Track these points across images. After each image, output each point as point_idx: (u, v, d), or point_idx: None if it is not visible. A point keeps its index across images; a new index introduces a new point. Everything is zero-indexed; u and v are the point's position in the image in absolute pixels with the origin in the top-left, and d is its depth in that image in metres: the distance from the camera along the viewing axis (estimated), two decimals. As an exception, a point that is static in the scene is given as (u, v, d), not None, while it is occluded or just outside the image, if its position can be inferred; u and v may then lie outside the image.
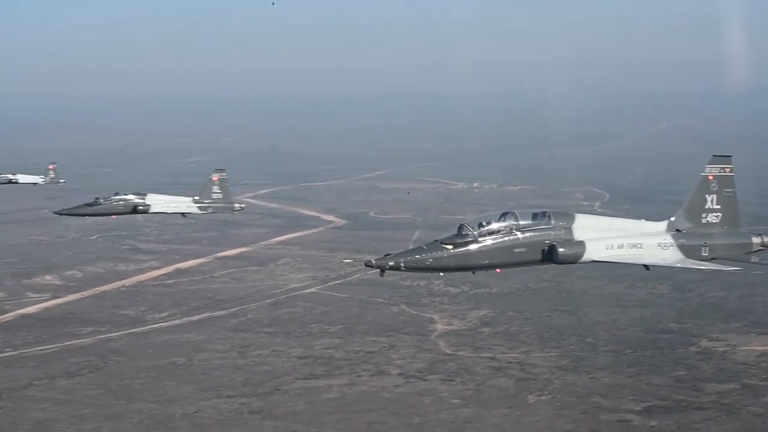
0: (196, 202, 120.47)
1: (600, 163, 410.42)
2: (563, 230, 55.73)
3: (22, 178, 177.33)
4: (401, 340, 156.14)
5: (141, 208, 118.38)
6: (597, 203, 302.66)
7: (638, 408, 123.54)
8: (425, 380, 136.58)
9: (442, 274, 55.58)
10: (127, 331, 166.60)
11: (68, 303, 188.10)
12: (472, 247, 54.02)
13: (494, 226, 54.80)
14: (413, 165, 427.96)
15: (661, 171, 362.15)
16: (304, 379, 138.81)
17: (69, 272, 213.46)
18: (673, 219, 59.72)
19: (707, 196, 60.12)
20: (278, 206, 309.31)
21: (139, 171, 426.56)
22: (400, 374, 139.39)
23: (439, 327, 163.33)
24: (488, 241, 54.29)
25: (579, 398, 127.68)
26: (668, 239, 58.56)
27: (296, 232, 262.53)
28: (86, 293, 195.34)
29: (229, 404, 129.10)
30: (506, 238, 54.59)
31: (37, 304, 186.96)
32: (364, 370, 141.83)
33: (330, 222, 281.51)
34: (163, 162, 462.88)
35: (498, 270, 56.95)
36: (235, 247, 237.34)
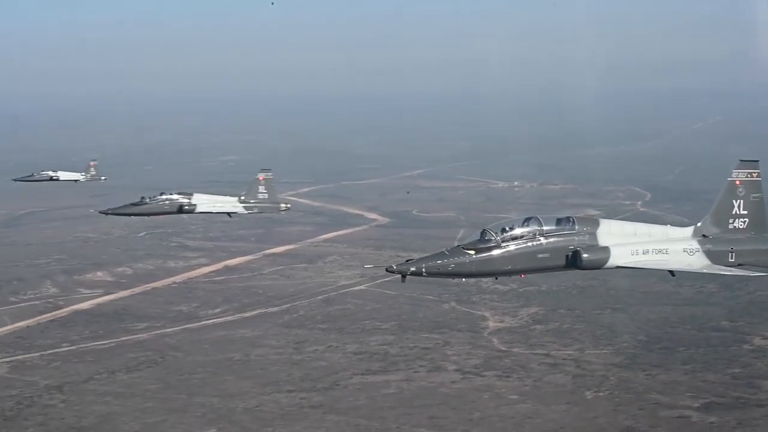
0: (241, 201, 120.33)
1: (638, 163, 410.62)
2: (587, 236, 55.41)
3: (63, 175, 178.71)
4: (455, 337, 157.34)
5: (187, 207, 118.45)
6: (639, 202, 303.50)
7: (696, 404, 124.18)
8: (482, 376, 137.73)
9: (464, 280, 56.51)
10: (181, 327, 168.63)
11: (121, 299, 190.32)
12: (495, 252, 53.74)
13: (517, 231, 54.51)
14: (451, 164, 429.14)
15: (700, 170, 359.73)
16: (361, 374, 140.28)
17: (119, 269, 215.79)
18: (699, 224, 59.37)
19: (734, 201, 59.73)
20: (321, 204, 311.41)
21: (177, 169, 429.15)
22: (456, 370, 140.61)
23: (491, 324, 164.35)
24: (511, 246, 53.95)
25: (636, 395, 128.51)
26: (694, 245, 58.20)
27: (341, 230, 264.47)
28: (137, 289, 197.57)
29: (289, 399, 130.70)
30: (530, 244, 54.26)
31: (90, 300, 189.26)
32: (421, 366, 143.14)
33: (373, 220, 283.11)
34: (200, 160, 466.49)
35: (521, 275, 56.82)
36: (281, 245, 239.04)
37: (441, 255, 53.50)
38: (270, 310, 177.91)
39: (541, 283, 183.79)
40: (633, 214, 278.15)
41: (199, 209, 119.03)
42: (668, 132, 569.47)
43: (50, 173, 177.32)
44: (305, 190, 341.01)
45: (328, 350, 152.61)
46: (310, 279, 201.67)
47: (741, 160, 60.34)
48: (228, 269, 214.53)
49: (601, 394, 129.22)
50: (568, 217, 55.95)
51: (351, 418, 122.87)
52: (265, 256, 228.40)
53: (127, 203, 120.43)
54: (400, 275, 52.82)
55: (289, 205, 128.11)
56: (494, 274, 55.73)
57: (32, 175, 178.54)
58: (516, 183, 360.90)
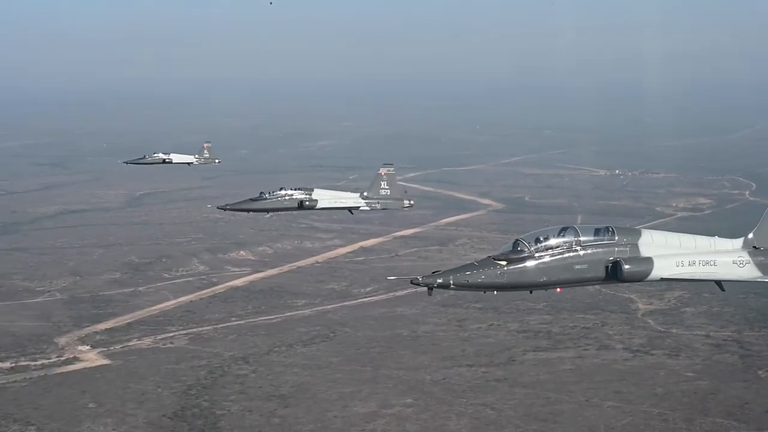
0: (363, 197, 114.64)
1: (734, 153, 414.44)
2: (628, 246, 52.54)
3: (176, 158, 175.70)
4: (610, 318, 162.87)
5: (307, 203, 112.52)
6: (746, 192, 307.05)
7: None
8: (651, 354, 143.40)
9: (495, 293, 52.36)
10: (340, 304, 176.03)
11: (270, 277, 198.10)
12: (529, 263, 50.59)
13: (553, 241, 51.28)
14: (546, 152, 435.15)
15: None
16: (533, 351, 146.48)
17: (260, 248, 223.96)
18: (750, 236, 56.44)
19: None
20: (432, 189, 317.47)
21: (275, 153, 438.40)
22: (624, 348, 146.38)
23: (641, 306, 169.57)
24: (546, 257, 50.80)
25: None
26: (744, 256, 55.57)
27: (460, 214, 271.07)
28: (284, 268, 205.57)
29: (472, 372, 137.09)
30: (566, 255, 51.18)
31: (241, 277, 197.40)
32: (588, 344, 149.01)
33: (488, 205, 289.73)
34: (296, 145, 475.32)
35: (558, 289, 53.26)
36: (407, 228, 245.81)
37: (470, 266, 50.44)
38: (421, 289, 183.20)
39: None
40: (743, 203, 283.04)
41: (320, 205, 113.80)
42: (755, 123, 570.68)
43: (162, 156, 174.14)
44: (411, 175, 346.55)
45: (491, 328, 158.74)
46: (448, 260, 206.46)
47: None
48: (364, 250, 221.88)
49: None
50: (607, 227, 53.06)
51: (539, 391, 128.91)
52: (395, 238, 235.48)
53: (246, 198, 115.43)
54: (426, 288, 49.82)
55: (412, 202, 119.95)
56: (528, 287, 52.07)
57: (144, 158, 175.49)
58: (618, 171, 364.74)
